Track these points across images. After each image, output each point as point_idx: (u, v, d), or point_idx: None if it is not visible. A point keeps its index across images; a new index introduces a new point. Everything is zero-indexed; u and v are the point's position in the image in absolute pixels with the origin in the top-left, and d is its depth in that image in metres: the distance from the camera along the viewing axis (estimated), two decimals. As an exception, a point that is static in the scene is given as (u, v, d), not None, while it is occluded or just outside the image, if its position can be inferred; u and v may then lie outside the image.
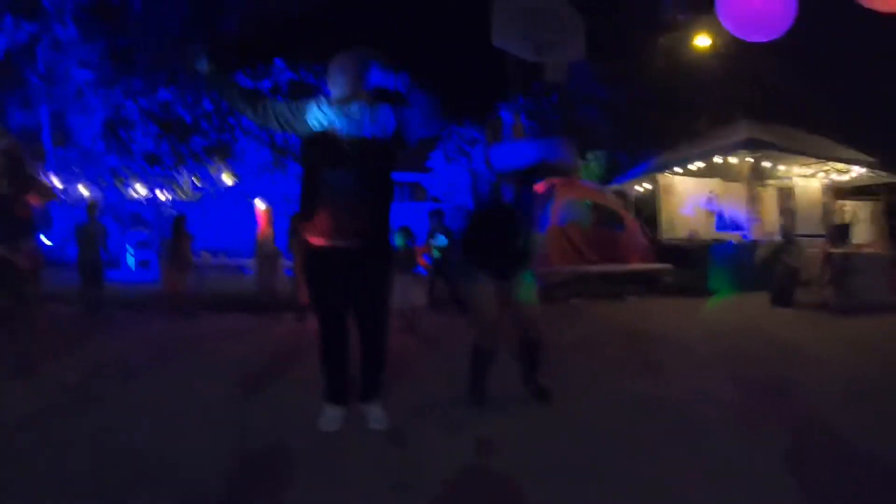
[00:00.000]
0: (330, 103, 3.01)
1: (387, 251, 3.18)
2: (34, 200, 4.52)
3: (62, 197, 13.06)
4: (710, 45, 13.66)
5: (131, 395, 3.78)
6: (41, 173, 13.87)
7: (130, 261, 11.46)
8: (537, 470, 2.64)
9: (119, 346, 5.52)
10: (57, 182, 13.08)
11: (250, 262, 9.73)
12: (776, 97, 13.93)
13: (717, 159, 11.55)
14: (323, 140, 2.96)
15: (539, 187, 10.57)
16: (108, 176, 12.30)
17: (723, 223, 12.11)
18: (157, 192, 12.36)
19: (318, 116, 2.98)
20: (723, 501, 2.36)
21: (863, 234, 12.40)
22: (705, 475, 2.57)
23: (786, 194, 12.95)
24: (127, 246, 11.39)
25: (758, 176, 12.14)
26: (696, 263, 10.12)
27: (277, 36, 12.80)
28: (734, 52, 13.34)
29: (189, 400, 3.62)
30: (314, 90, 12.04)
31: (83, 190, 12.67)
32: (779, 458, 2.71)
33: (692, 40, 13.82)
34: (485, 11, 8.93)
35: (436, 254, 7.43)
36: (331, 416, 3.14)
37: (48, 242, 13.67)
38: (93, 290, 7.55)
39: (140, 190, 12.42)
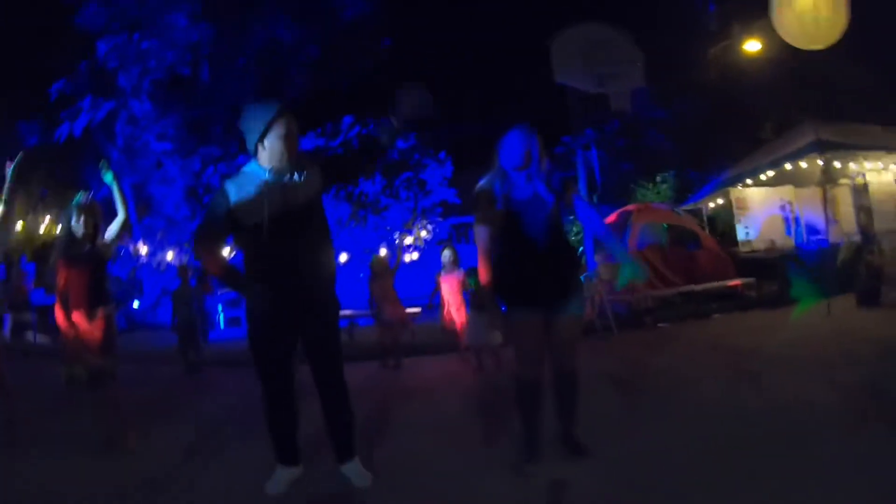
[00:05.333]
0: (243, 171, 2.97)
1: (330, 300, 3.12)
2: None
3: (149, 263, 13.89)
4: (762, 50, 13.47)
5: (250, 451, 3.74)
6: (129, 242, 14.84)
7: (220, 319, 12.03)
8: (646, 480, 2.80)
9: (225, 403, 5.53)
10: (143, 250, 13.94)
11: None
12: (839, 93, 13.58)
13: (788, 166, 11.35)
14: (248, 205, 2.90)
15: (612, 217, 10.70)
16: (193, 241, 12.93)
17: (799, 229, 11.84)
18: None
19: (235, 189, 2.93)
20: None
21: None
22: (812, 478, 2.69)
23: (860, 192, 12.53)
24: (218, 305, 11.96)
25: (830, 177, 11.84)
26: (776, 274, 9.94)
27: (345, 95, 13.36)
28: (788, 54, 13.09)
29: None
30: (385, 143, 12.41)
31: (170, 255, 13.39)
32: (886, 459, 2.79)
33: (742, 47, 13.66)
34: (544, 52, 9.22)
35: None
36: (279, 478, 3.07)
37: (136, 305, 14.55)
38: (190, 351, 7.70)
39: (225, 252, 13.01)
